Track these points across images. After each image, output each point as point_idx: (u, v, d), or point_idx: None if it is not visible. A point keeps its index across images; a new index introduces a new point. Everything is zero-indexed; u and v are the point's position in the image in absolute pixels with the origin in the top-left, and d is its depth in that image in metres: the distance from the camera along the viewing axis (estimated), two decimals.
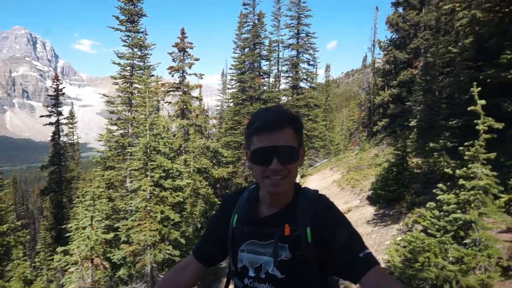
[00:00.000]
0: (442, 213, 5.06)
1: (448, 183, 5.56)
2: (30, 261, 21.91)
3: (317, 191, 1.37)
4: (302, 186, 1.40)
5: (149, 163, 11.57)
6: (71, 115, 31.07)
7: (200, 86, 24.21)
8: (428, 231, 5.13)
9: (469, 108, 4.97)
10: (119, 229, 11.79)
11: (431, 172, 10.49)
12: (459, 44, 13.83)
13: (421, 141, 14.50)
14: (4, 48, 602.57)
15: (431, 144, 10.91)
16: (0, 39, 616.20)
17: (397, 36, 23.33)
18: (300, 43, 30.12)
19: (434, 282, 4.51)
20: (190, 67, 22.41)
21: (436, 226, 5.00)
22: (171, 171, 12.52)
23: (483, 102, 4.78)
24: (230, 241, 1.38)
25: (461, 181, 4.89)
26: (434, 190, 5.65)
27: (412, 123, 16.55)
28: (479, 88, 4.87)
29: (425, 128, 15.81)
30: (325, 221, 1.25)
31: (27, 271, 13.29)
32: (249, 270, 1.33)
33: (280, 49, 31.63)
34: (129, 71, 19.47)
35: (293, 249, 1.25)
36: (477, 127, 4.89)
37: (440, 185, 5.40)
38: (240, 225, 1.36)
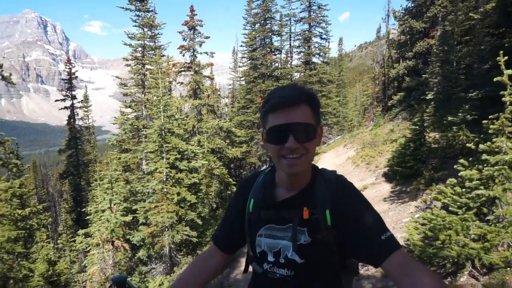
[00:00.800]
0: (464, 189, 4.90)
1: (470, 158, 5.38)
2: (53, 243, 22.74)
3: (335, 171, 1.33)
4: (320, 167, 1.35)
5: (164, 145, 11.62)
6: (85, 99, 31.20)
7: (211, 65, 23.96)
8: (449, 208, 4.99)
9: (495, 79, 4.70)
10: (137, 212, 12.02)
11: (449, 146, 10.21)
12: (480, 10, 13.16)
13: (439, 115, 14.10)
14: (15, 32, 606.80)
15: (450, 118, 10.58)
16: (11, 24, 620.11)
17: (413, 4, 22.38)
18: (312, 16, 29.23)
19: (456, 260, 4.43)
20: (200, 45, 22.13)
21: (458, 203, 4.86)
22: (186, 152, 12.57)
23: (510, 71, 4.52)
24: (247, 226, 1.35)
25: (484, 156, 4.71)
26: (455, 166, 5.47)
27: (429, 96, 16.06)
28: (506, 57, 4.60)
29: (442, 101, 15.33)
30: (345, 202, 1.21)
31: (51, 252, 13.77)
32: (268, 255, 1.31)
33: (291, 23, 30.82)
34: (140, 51, 19.37)
35: (312, 233, 1.22)
36: (503, 98, 4.65)
37: (461, 160, 5.22)
38: (257, 210, 1.32)
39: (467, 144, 5.68)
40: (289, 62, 31.21)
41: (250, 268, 1.44)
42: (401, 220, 7.61)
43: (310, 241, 1.22)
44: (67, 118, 27.08)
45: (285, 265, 1.27)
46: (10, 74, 16.51)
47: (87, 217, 13.71)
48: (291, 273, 1.26)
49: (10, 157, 13.67)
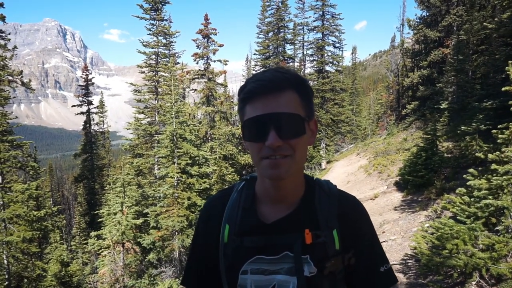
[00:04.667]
0: (472, 199, 4.87)
1: (480, 168, 5.34)
2: (66, 244, 23.16)
3: (329, 181, 1.10)
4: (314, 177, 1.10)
5: (175, 151, 11.80)
6: (101, 104, 31.83)
7: (225, 72, 24.23)
8: (457, 217, 4.97)
9: (503, 88, 4.70)
10: (148, 215, 12.20)
11: (462, 156, 10.11)
12: (496, 19, 13.05)
13: (453, 124, 13.97)
14: (36, 40, 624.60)
15: (463, 127, 10.47)
16: (32, 32, 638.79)
17: (427, 14, 22.33)
18: (325, 25, 29.34)
19: (463, 269, 4.38)
20: (214, 53, 22.42)
21: (466, 213, 4.83)
22: (197, 158, 12.71)
23: None
24: (223, 262, 1.03)
25: (493, 166, 4.69)
26: (465, 176, 5.44)
27: (443, 106, 15.91)
28: None
29: (457, 110, 15.18)
30: (355, 220, 1.02)
31: (64, 254, 14.07)
32: None
33: (305, 32, 30.98)
34: (154, 59, 19.79)
35: (319, 261, 0.96)
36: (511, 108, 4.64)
37: (471, 170, 5.19)
38: (237, 238, 1.02)
39: (477, 154, 5.63)
40: (302, 70, 31.32)
41: None
42: (411, 229, 7.54)
43: (317, 271, 0.96)
44: (83, 123, 27.67)
45: None
46: (30, 80, 17.02)
47: (100, 220, 13.98)
48: None
49: (28, 160, 14.07)
